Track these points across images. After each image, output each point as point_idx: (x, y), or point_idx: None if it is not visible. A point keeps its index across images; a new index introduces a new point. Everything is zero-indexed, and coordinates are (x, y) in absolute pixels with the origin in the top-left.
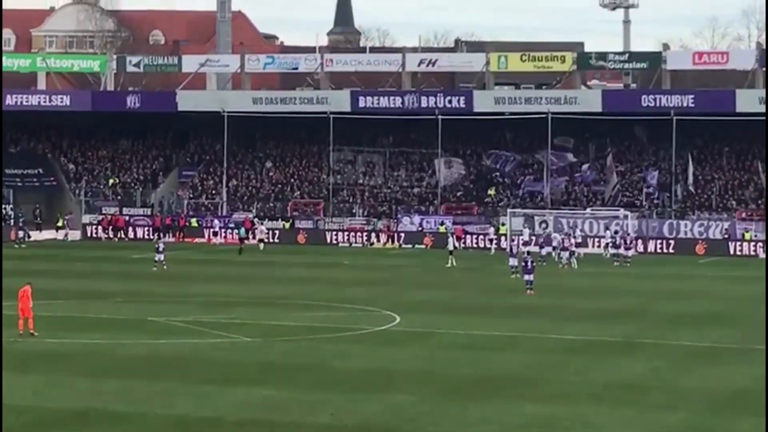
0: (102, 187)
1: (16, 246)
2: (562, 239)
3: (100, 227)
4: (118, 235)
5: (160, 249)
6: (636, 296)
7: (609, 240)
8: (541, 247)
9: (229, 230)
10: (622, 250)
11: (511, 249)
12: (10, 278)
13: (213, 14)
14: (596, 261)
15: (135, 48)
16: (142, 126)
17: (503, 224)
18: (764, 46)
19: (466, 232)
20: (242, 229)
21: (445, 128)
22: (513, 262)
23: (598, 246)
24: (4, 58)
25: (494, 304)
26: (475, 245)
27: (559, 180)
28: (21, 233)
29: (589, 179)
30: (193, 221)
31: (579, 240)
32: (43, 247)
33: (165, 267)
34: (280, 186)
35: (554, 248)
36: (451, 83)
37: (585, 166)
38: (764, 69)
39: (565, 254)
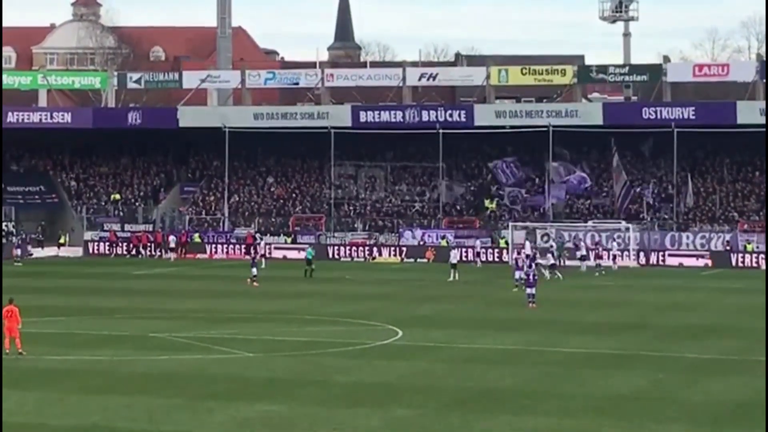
0: (104, 203)
1: (17, 263)
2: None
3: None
4: (159, 251)
5: (254, 262)
6: (638, 308)
7: (615, 252)
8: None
9: (231, 246)
10: (608, 261)
11: (516, 262)
12: (10, 294)
13: (213, 30)
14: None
15: (136, 64)
16: (143, 142)
17: (503, 237)
18: (764, 58)
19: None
20: (309, 250)
21: (446, 142)
22: (519, 274)
23: (587, 260)
24: (5, 76)
25: (496, 318)
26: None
27: (561, 192)
28: (19, 251)
29: (580, 190)
30: (196, 237)
31: (584, 253)
32: (44, 264)
33: (255, 284)
34: (281, 201)
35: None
36: (452, 97)
37: (572, 176)
38: (764, 81)
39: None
